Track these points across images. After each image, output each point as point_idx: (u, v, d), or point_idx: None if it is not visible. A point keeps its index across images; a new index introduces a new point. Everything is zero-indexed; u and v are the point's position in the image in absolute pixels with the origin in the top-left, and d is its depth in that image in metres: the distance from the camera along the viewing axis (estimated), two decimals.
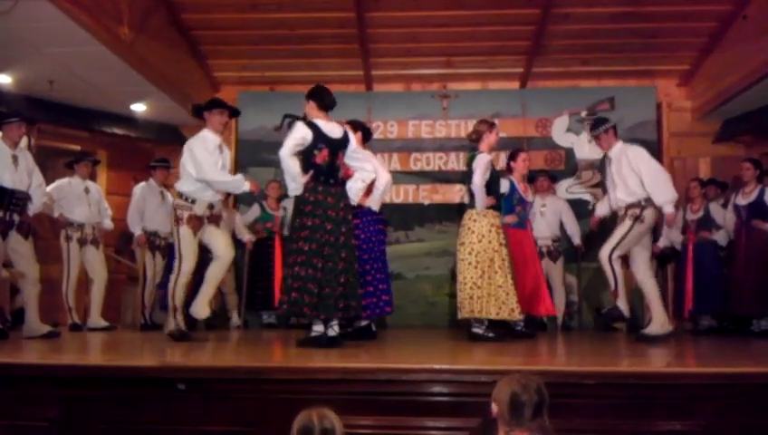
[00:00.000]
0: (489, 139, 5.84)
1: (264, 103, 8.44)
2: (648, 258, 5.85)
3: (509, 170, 6.65)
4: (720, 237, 7.14)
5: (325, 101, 5.11)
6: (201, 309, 5.48)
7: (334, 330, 4.92)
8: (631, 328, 6.95)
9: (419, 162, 8.64)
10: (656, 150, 8.40)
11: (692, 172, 8.18)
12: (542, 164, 8.41)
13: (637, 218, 5.60)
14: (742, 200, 6.89)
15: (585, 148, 8.43)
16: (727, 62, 7.52)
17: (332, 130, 5.06)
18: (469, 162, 5.83)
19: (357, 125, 5.89)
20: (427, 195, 8.53)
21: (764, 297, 6.56)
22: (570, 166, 8.51)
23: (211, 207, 5.56)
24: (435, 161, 8.62)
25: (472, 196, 5.75)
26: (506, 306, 5.60)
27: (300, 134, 4.94)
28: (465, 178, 5.92)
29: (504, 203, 6.28)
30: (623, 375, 3.58)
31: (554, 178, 8.03)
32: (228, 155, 5.78)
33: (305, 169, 4.93)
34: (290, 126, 5.40)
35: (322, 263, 4.82)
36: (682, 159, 8.45)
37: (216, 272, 5.55)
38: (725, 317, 7.15)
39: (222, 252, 5.53)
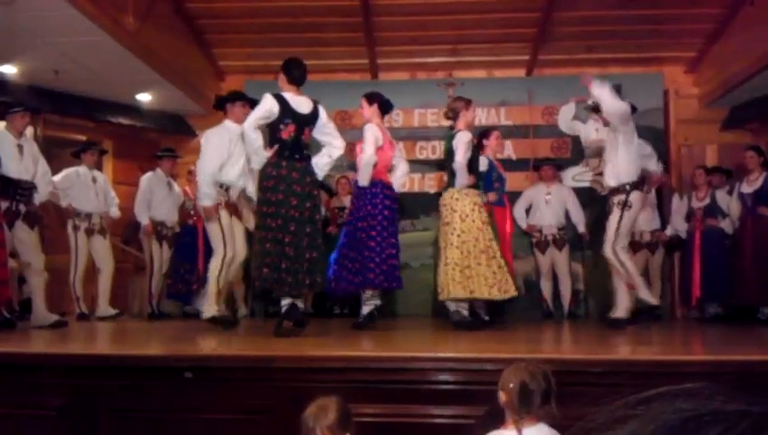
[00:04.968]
0: (466, 116, 5.74)
1: (269, 92, 8.41)
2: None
3: (481, 149, 6.36)
4: (726, 225, 7.11)
5: (293, 74, 4.99)
6: (208, 307, 5.41)
7: (300, 304, 4.90)
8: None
9: (425, 151, 8.61)
10: (662, 138, 8.39)
11: (699, 159, 8.12)
12: (549, 152, 8.37)
13: (624, 205, 5.56)
14: (747, 188, 6.84)
15: (592, 135, 8.38)
16: (734, 48, 7.46)
17: (300, 104, 4.96)
18: (448, 142, 5.72)
19: (372, 97, 5.71)
20: (433, 184, 8.50)
21: None
22: (576, 154, 8.47)
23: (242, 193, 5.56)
24: (440, 150, 8.54)
25: (451, 175, 5.62)
26: (496, 287, 5.46)
27: (266, 107, 4.85)
28: (446, 159, 5.79)
29: (484, 181, 6.13)
30: (630, 363, 3.58)
31: (559, 166, 8.00)
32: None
33: (270, 144, 4.85)
34: None
35: (289, 238, 4.76)
36: (689, 147, 8.39)
37: (231, 270, 5.51)
38: (731, 305, 7.14)
39: (238, 249, 5.49)
